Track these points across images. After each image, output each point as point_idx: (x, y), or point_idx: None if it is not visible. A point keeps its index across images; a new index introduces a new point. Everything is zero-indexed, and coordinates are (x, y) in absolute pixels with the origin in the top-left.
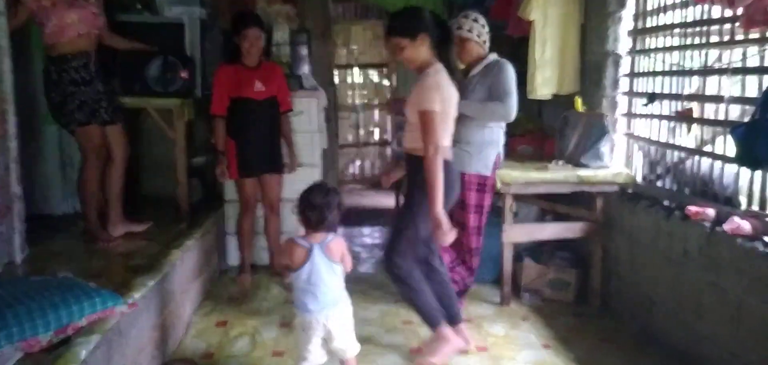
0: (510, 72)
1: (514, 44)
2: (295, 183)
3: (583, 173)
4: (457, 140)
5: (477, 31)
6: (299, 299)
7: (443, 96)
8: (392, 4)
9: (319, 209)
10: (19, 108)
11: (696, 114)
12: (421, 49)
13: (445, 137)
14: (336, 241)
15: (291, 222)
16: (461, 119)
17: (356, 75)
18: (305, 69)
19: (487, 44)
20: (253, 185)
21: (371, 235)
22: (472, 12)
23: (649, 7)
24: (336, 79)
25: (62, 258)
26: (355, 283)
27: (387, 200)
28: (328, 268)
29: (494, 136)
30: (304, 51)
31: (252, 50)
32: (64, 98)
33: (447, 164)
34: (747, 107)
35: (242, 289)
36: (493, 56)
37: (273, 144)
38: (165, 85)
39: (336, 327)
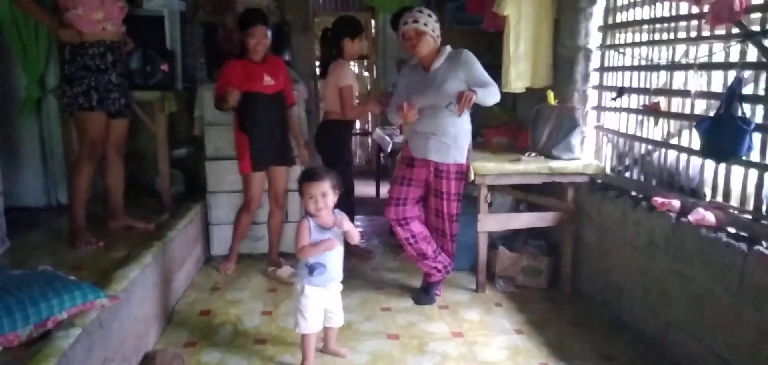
0: (476, 59)
1: (489, 39)
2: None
3: (554, 164)
4: (432, 133)
5: (431, 25)
6: (305, 270)
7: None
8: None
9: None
10: None
11: (663, 108)
12: None
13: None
14: (342, 224)
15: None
16: (435, 112)
17: None
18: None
19: (439, 38)
20: (261, 180)
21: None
22: (425, 8)
23: (619, 4)
24: (317, 72)
25: (43, 251)
26: None
27: (368, 189)
28: (335, 249)
29: (465, 125)
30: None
31: (258, 48)
32: (72, 81)
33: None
34: (712, 101)
35: (225, 276)
36: (448, 47)
37: (283, 137)
38: (145, 78)
39: (333, 300)
